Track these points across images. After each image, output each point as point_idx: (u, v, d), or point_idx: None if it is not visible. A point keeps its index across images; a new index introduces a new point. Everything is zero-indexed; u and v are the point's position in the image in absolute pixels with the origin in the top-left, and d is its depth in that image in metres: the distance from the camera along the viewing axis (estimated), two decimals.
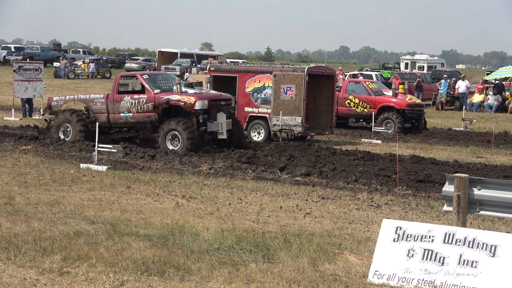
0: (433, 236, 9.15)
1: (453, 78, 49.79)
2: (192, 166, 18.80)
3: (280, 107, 24.94)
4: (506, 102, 44.88)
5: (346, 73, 53.84)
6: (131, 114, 22.00)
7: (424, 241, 9.17)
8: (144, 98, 21.80)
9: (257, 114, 25.30)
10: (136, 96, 22.03)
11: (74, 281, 8.79)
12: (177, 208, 13.56)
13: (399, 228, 9.41)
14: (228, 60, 58.49)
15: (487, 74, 56.28)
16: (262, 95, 25.37)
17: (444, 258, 8.94)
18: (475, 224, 12.48)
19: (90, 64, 69.71)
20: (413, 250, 9.16)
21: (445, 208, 10.42)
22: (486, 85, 47.62)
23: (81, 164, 18.28)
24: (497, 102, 44.27)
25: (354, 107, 31.10)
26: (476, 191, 10.02)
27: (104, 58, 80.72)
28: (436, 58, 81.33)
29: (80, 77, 67.03)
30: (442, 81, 47.69)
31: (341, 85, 41.45)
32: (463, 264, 8.81)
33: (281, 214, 13.38)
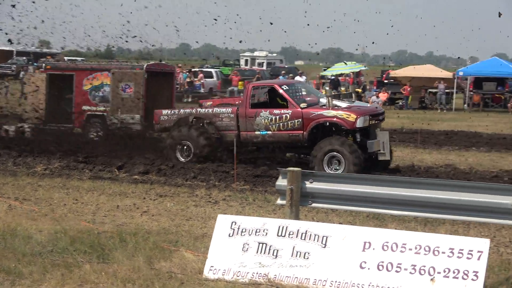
0: (267, 230, 9.27)
1: (291, 74, 50.76)
2: (26, 167, 18.30)
3: (118, 105, 24.62)
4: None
5: (187, 70, 53.84)
6: (270, 132, 18.61)
7: (259, 234, 9.27)
8: (288, 113, 18.44)
9: (95, 113, 24.85)
10: (276, 111, 18.64)
11: None
12: (9, 211, 13.12)
13: (234, 223, 9.47)
14: (66, 58, 57.31)
15: (324, 70, 57.81)
16: (100, 93, 24.96)
17: (277, 250, 9.07)
18: (309, 217, 12.75)
19: None
20: (248, 244, 9.24)
21: (279, 201, 10.57)
22: (322, 80, 48.93)
23: None
24: None
25: None
26: (308, 184, 10.21)
27: None
28: (275, 54, 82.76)
29: None
30: (281, 77, 48.57)
31: (181, 82, 41.26)
32: (296, 256, 8.96)
33: (118, 214, 13.23)
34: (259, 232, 9.29)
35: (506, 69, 45.53)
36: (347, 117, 17.87)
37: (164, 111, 20.39)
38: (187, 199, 14.75)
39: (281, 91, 18.94)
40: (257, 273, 8.98)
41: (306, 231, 9.09)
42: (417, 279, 8.33)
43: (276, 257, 9.03)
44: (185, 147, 19.27)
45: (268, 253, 9.10)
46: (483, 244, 8.33)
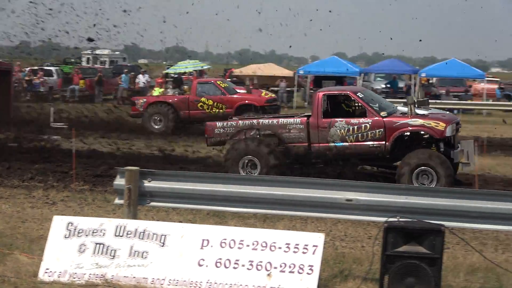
0: (104, 230, 9.15)
1: (133, 73, 50.22)
2: None
3: None
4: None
5: (26, 68, 52.31)
6: (346, 143, 16.84)
7: (96, 235, 9.14)
8: (367, 123, 16.75)
9: None
10: (354, 120, 16.93)
11: None
12: None
13: (70, 224, 9.29)
14: None
15: (167, 68, 57.61)
16: None
17: (115, 250, 8.97)
18: (149, 216, 12.64)
19: None
20: (85, 245, 9.09)
21: (117, 201, 10.45)
22: (166, 79, 48.70)
23: None
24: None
25: (208, 109, 28.53)
26: (146, 183, 10.13)
27: None
28: (117, 53, 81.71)
29: None
30: (123, 75, 48.04)
31: (20, 80, 39.99)
32: (134, 255, 8.90)
33: None
34: (96, 232, 9.16)
35: (344, 68, 46.81)
36: (436, 126, 16.52)
37: (219, 123, 18.14)
38: (24, 201, 14.34)
39: (357, 98, 17.41)
40: (94, 274, 8.85)
41: (144, 230, 9.04)
42: (254, 275, 8.44)
43: (113, 258, 8.93)
44: (248, 163, 17.11)
45: (106, 254, 8.98)
46: (318, 239, 8.53)
